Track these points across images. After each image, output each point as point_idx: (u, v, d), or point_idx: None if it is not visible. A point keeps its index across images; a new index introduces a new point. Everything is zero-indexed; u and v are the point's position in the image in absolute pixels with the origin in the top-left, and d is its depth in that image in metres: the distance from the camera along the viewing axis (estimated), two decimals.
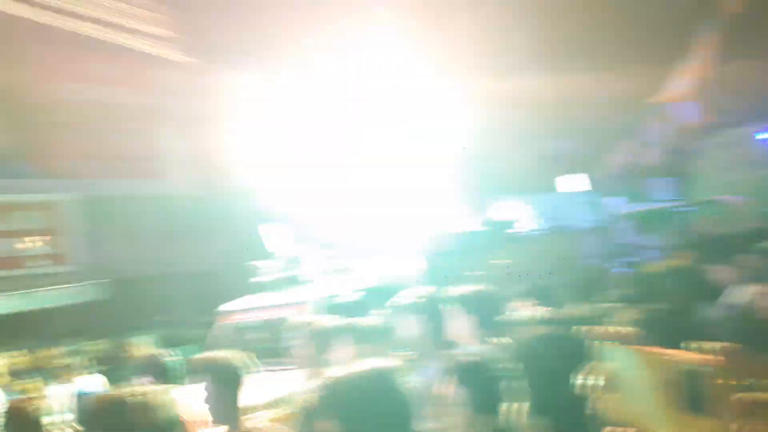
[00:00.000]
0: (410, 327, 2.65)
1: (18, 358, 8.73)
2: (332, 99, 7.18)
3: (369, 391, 1.72)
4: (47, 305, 10.64)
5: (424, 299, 2.70)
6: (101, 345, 9.69)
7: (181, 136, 15.09)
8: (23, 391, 6.89)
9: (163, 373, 6.11)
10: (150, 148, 14.67)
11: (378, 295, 6.32)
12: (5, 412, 2.61)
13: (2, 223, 11.09)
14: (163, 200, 13.86)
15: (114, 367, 7.96)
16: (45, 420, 2.66)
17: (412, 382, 2.32)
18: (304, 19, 8.09)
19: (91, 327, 10.44)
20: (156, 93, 14.94)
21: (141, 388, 1.74)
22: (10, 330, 10.04)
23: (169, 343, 9.92)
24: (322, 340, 3.26)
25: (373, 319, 3.60)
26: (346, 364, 2.38)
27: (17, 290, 10.44)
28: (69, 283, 11.03)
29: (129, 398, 1.60)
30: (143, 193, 13.83)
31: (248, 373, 2.51)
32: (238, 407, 2.44)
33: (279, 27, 8.81)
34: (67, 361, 7.65)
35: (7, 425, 2.57)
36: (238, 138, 7.91)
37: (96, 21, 9.19)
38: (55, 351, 9.11)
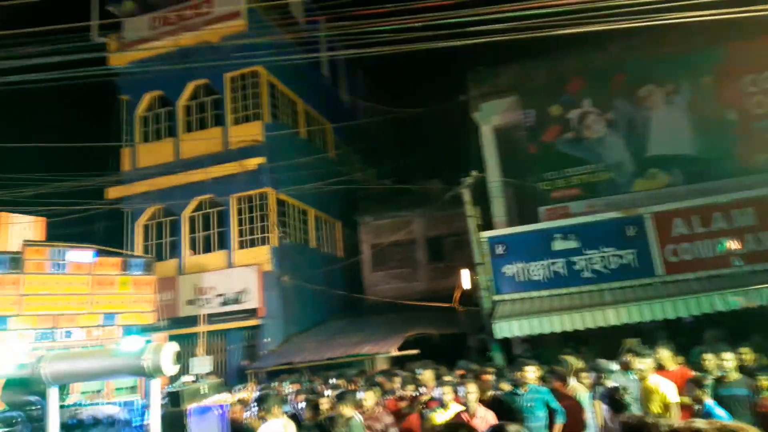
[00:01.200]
0: None
1: (746, 354, 8.59)
2: None
3: None
4: (762, 303, 10.39)
5: None
6: None
7: None
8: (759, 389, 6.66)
9: None
10: None
11: None
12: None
13: (710, 224, 11.65)
14: None
15: None
16: None
17: None
18: None
19: None
20: None
21: None
22: (731, 326, 10.28)
23: None
24: None
25: None
26: None
27: (729, 288, 10.62)
28: None
29: None
30: None
31: None
32: None
33: None
34: None
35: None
36: None
37: None
38: None
